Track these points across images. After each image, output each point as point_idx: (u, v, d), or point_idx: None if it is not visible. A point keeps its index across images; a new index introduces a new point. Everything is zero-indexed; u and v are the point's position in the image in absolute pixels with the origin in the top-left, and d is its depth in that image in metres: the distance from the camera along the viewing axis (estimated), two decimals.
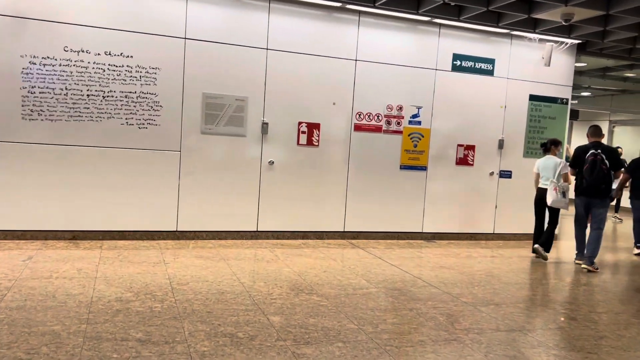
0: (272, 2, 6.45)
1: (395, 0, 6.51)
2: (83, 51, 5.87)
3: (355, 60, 6.88)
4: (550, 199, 6.44)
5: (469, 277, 5.47)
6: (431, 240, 7.42)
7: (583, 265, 6.23)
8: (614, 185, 7.59)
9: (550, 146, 6.75)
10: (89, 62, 5.90)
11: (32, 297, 4.00)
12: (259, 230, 6.69)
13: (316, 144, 6.81)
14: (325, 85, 6.78)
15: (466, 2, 6.41)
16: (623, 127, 14.48)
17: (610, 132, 14.20)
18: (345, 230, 7.09)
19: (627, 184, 7.49)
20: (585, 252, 6.32)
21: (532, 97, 7.82)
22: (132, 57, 6.03)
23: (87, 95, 5.93)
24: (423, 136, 7.30)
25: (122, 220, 6.16)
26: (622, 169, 6.62)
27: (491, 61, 7.53)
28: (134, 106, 6.10)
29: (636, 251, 7.40)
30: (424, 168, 7.36)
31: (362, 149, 7.04)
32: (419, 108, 7.25)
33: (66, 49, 5.81)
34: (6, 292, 4.09)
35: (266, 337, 3.49)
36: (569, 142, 10.91)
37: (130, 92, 6.06)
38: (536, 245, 6.62)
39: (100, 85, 5.96)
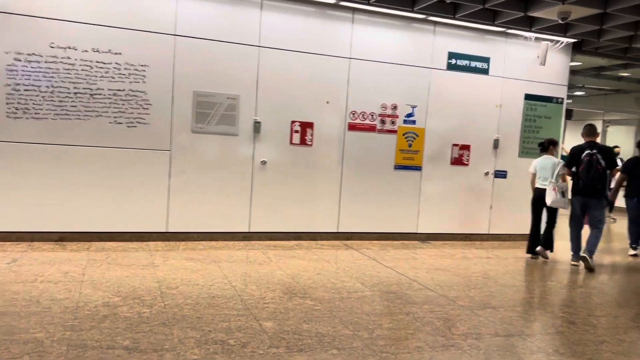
0: None
1: None
2: (70, 48, 5.71)
3: (349, 58, 6.77)
4: (549, 199, 6.39)
5: (465, 280, 5.38)
6: (426, 241, 7.33)
7: (582, 253, 6.26)
8: (612, 185, 7.54)
9: (549, 146, 6.70)
10: (76, 59, 5.74)
11: (15, 303, 3.86)
12: (251, 231, 6.56)
13: (309, 143, 6.70)
14: (318, 83, 6.66)
15: None
16: (617, 127, 14.48)
17: (604, 132, 14.19)
18: (339, 231, 6.97)
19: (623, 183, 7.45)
20: (585, 246, 6.33)
21: (528, 97, 7.74)
22: (120, 54, 5.88)
23: (74, 93, 5.77)
24: (418, 136, 7.20)
25: (110, 222, 6.01)
26: (617, 168, 6.59)
27: (486, 60, 7.44)
28: (123, 104, 5.95)
29: (631, 252, 7.34)
30: (418, 168, 7.27)
31: (356, 149, 6.93)
32: (413, 107, 7.15)
33: (52, 45, 5.65)
34: None
35: (258, 344, 3.37)
36: (563, 142, 10.85)
37: (119, 90, 5.91)
38: (539, 249, 6.65)
39: (87, 82, 5.80)
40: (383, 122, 7.01)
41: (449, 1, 6.45)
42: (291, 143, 6.63)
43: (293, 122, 6.60)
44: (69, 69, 5.73)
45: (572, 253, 6.49)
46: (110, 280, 4.55)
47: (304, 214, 6.78)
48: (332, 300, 4.38)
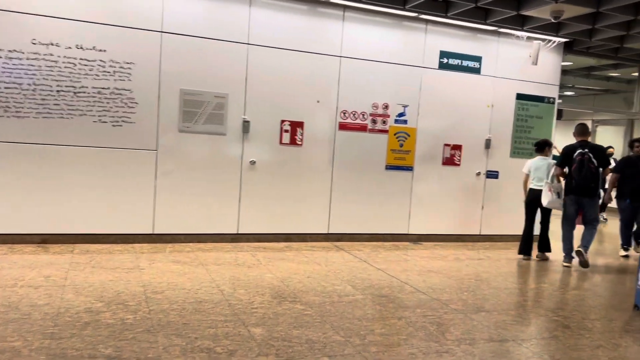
0: None
1: None
2: (52, 44, 5.54)
3: (340, 56, 6.66)
4: (545, 201, 6.36)
5: (458, 282, 5.30)
6: (417, 242, 7.24)
7: (577, 248, 6.29)
8: (607, 186, 7.51)
9: (544, 147, 6.68)
10: (58, 56, 5.57)
11: None
12: (239, 232, 6.43)
13: (299, 143, 6.58)
14: (309, 82, 6.54)
15: None
16: (605, 127, 14.52)
17: (593, 132, 14.22)
18: (330, 232, 6.86)
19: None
20: (580, 242, 6.36)
21: (519, 96, 7.69)
22: (105, 51, 5.72)
23: (57, 91, 5.60)
24: (409, 135, 7.11)
25: (95, 223, 5.85)
26: (609, 167, 6.58)
27: (478, 59, 7.37)
28: (108, 103, 5.79)
29: (622, 253, 7.31)
30: (410, 168, 7.18)
31: (347, 149, 6.82)
32: (405, 107, 7.05)
33: (34, 41, 5.47)
34: None
35: (246, 351, 3.25)
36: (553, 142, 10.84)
37: (103, 88, 5.75)
38: (537, 254, 6.71)
39: (71, 80, 5.64)
40: (374, 121, 6.91)
41: None
42: (281, 143, 6.50)
43: (283, 121, 6.48)
44: (52, 66, 5.56)
45: (564, 254, 6.44)
46: (94, 285, 4.40)
47: (294, 215, 6.66)
48: (322, 304, 4.27)
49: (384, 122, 6.96)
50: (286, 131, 6.50)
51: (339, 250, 6.41)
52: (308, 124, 6.59)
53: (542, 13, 6.44)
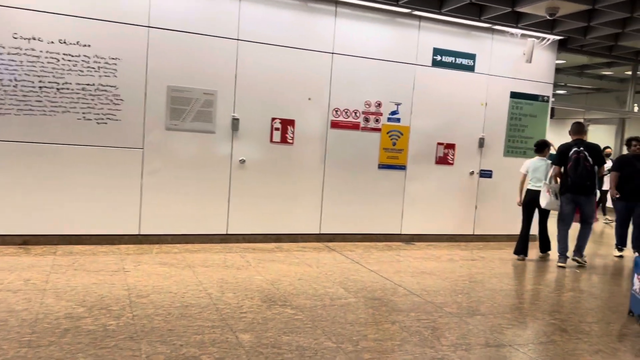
0: None
1: None
2: (35, 39, 5.35)
3: (332, 53, 6.52)
4: (544, 202, 6.32)
5: (452, 284, 5.18)
6: (410, 243, 7.13)
7: (573, 257, 6.37)
8: (605, 187, 7.41)
9: (544, 148, 6.63)
10: (41, 51, 5.38)
11: None
12: (228, 233, 6.27)
13: (290, 141, 6.43)
14: (300, 79, 6.39)
15: None
16: (597, 126, 14.50)
17: (584, 131, 14.18)
18: (321, 232, 6.73)
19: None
20: (575, 246, 6.41)
21: (513, 95, 7.59)
22: (89, 46, 5.54)
23: (40, 87, 5.42)
24: (402, 134, 6.99)
25: (79, 224, 5.67)
26: (605, 166, 6.53)
27: (472, 57, 7.26)
28: (92, 99, 5.61)
29: (617, 253, 7.24)
30: (403, 167, 7.06)
31: (339, 147, 6.68)
32: (398, 105, 6.93)
33: (15, 36, 5.28)
34: None
35: (234, 359, 3.10)
36: None
37: (88, 85, 5.57)
38: (540, 254, 6.74)
39: (54, 76, 5.45)
40: (367, 119, 6.78)
41: None
42: (271, 141, 6.35)
43: (273, 119, 6.33)
44: (34, 62, 5.37)
45: (558, 254, 6.36)
46: (76, 288, 4.23)
47: (285, 215, 6.52)
48: (314, 308, 4.14)
49: (377, 121, 6.83)
50: (277, 129, 6.35)
51: (330, 251, 6.28)
52: (299, 122, 6.44)
53: (537, 10, 6.33)
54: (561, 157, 6.26)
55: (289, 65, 6.31)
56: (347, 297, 4.49)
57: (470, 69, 7.27)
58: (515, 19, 6.94)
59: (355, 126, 6.73)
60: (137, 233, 5.89)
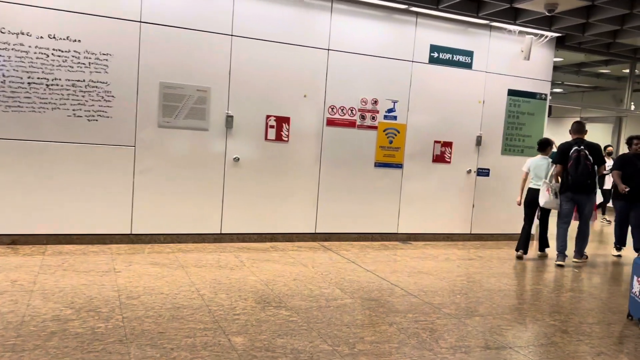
0: None
1: None
2: (23, 34, 5.22)
3: (328, 49, 6.41)
4: (542, 200, 6.28)
5: (450, 284, 5.09)
6: (406, 242, 7.04)
7: (573, 259, 6.39)
8: (607, 186, 7.31)
9: (547, 146, 6.60)
10: (30, 46, 5.25)
11: None
12: (222, 232, 6.16)
13: (286, 139, 6.32)
14: (295, 76, 6.29)
15: None
16: (593, 124, 14.44)
17: None
18: (317, 231, 6.63)
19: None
20: (574, 247, 6.43)
21: (511, 92, 7.50)
22: (79, 41, 5.41)
23: (29, 83, 5.29)
24: (399, 132, 6.89)
25: (69, 223, 5.55)
26: (604, 165, 6.46)
27: (470, 54, 7.17)
28: (83, 96, 5.49)
29: (615, 252, 7.17)
30: (399, 165, 6.96)
31: (335, 145, 6.58)
32: (394, 102, 6.83)
33: (3, 30, 5.15)
34: None
35: None
36: None
37: (78, 81, 5.45)
38: (539, 253, 6.68)
39: (43, 72, 5.33)
40: (363, 117, 6.68)
41: None
42: (266, 139, 6.25)
43: (268, 116, 6.22)
44: (22, 57, 5.24)
45: (557, 253, 6.31)
46: (64, 290, 4.12)
47: (280, 214, 6.41)
48: (309, 309, 4.03)
49: (373, 118, 6.74)
50: (272, 127, 6.24)
51: (326, 251, 6.18)
52: (295, 120, 6.34)
53: (535, 6, 6.25)
54: (562, 156, 6.22)
55: (284, 61, 6.20)
56: (343, 298, 4.39)
57: (468, 66, 7.18)
58: (513, 15, 6.86)
59: (351, 124, 6.63)
60: (128, 232, 5.77)
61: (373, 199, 6.86)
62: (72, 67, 5.42)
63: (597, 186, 6.42)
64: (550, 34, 7.35)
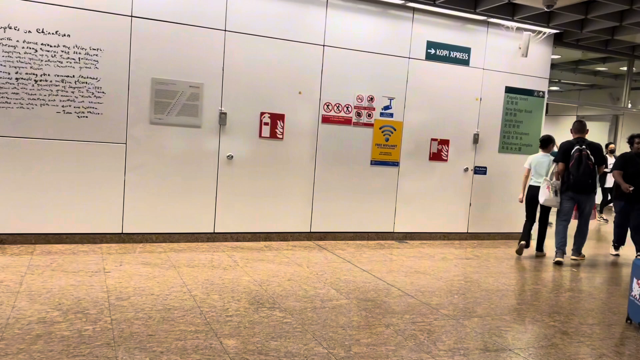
0: None
1: None
2: (10, 28, 5.09)
3: (323, 45, 6.31)
4: (542, 198, 6.26)
5: (447, 284, 5.00)
6: (403, 241, 6.95)
7: (572, 257, 6.40)
8: (607, 184, 7.23)
9: (549, 143, 6.60)
10: (17, 41, 5.12)
11: None
12: (216, 232, 6.05)
13: (280, 136, 6.22)
14: (290, 72, 6.18)
15: None
16: (590, 123, 14.38)
17: None
18: (312, 230, 6.52)
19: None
20: (572, 246, 6.43)
21: (508, 89, 7.42)
22: (69, 36, 5.29)
23: (16, 78, 5.16)
24: (395, 129, 6.80)
25: (58, 222, 5.43)
26: (605, 165, 6.42)
27: (467, 50, 7.08)
28: (72, 92, 5.36)
29: (614, 252, 7.10)
30: (396, 164, 6.86)
31: (331, 143, 6.48)
32: (391, 99, 6.73)
33: None
34: None
35: None
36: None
37: (68, 76, 5.32)
38: (537, 253, 6.62)
39: (31, 67, 5.20)
40: (359, 114, 6.57)
41: None
42: (260, 136, 6.14)
43: (262, 113, 6.11)
44: (10, 52, 5.11)
45: (556, 249, 6.30)
46: (52, 291, 4.00)
47: (274, 213, 6.30)
48: (304, 310, 3.93)
49: (369, 116, 6.63)
50: (266, 124, 6.13)
51: (321, 250, 6.08)
52: (289, 117, 6.23)
53: (534, 2, 6.17)
54: (564, 155, 6.19)
55: (278, 57, 6.09)
56: (338, 299, 4.29)
57: (465, 63, 7.09)
58: (511, 11, 6.77)
59: (347, 121, 6.53)
60: (119, 232, 5.66)
61: (369, 197, 6.77)
62: (62, 63, 5.30)
63: (598, 185, 6.35)
64: (548, 31, 7.27)
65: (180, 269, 4.85)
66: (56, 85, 5.30)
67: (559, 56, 9.40)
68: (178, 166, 5.80)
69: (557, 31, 7.37)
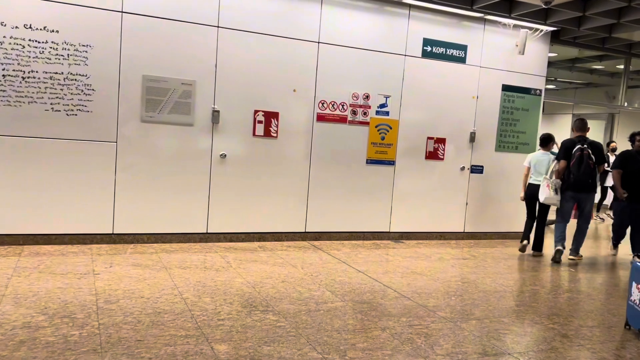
0: None
1: None
2: None
3: (318, 42, 6.20)
4: (542, 196, 6.24)
5: (444, 285, 4.91)
6: (399, 241, 6.86)
7: (570, 257, 6.37)
8: (607, 183, 7.15)
9: (549, 142, 6.60)
10: (4, 37, 5.00)
11: None
12: (209, 232, 5.94)
13: (274, 135, 6.11)
14: (284, 69, 6.07)
15: None
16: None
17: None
18: (307, 230, 6.42)
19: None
20: (571, 245, 6.42)
21: (505, 87, 7.34)
22: (57, 31, 5.16)
23: (3, 75, 5.03)
24: (391, 128, 6.70)
25: (47, 222, 5.30)
26: (605, 164, 6.40)
27: (463, 48, 6.99)
28: (61, 89, 5.23)
29: (612, 251, 7.03)
30: (391, 162, 6.77)
31: (326, 141, 6.38)
32: (386, 97, 6.64)
33: None
34: None
35: None
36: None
37: (56, 73, 5.20)
38: (533, 253, 6.56)
39: (19, 64, 5.07)
40: (354, 112, 6.48)
41: None
42: (254, 134, 6.03)
43: (256, 111, 6.00)
44: None
45: (555, 242, 6.30)
46: (38, 294, 3.88)
47: (268, 213, 6.20)
48: (298, 314, 3.84)
49: (365, 114, 6.54)
50: (260, 122, 6.03)
51: (316, 250, 5.98)
52: (284, 115, 6.12)
53: None
54: (566, 153, 6.17)
55: (272, 54, 5.98)
56: (333, 301, 4.19)
57: (462, 60, 7.00)
58: (508, 8, 6.69)
59: (342, 119, 6.43)
60: (110, 232, 5.54)
61: (364, 196, 6.67)
62: (50, 59, 5.17)
63: (598, 184, 6.35)
64: (545, 28, 7.19)
65: (172, 270, 4.75)
66: (44, 83, 5.17)
67: (556, 54, 9.32)
68: (170, 165, 5.69)
69: (555, 29, 7.30)
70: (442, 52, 6.88)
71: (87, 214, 5.43)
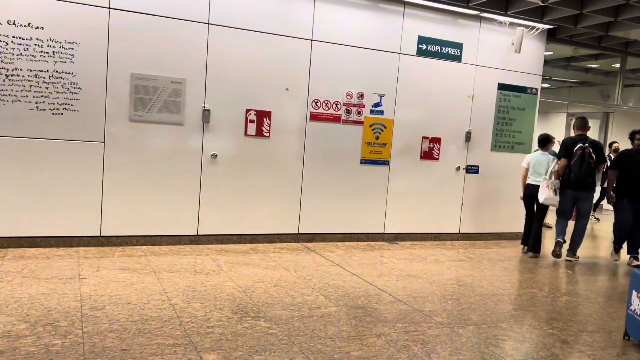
0: None
1: None
2: None
3: (311, 40, 6.07)
4: (542, 197, 6.19)
5: (440, 288, 4.81)
6: (393, 242, 6.75)
7: (567, 257, 6.35)
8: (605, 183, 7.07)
9: (548, 142, 6.59)
10: None
11: None
12: (199, 234, 5.81)
13: (267, 134, 5.98)
14: (277, 67, 5.94)
15: None
16: None
17: (568, 125, 14.00)
18: (300, 232, 6.30)
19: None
20: (569, 245, 6.40)
21: (501, 86, 7.24)
22: (42, 28, 5.01)
23: None
24: (386, 127, 6.59)
25: (32, 225, 5.15)
26: (606, 164, 6.41)
27: (459, 46, 6.88)
28: (47, 88, 5.08)
29: (615, 257, 6.90)
30: (386, 162, 6.66)
31: (319, 141, 6.25)
32: (381, 96, 6.52)
33: None
34: None
35: None
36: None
37: (41, 71, 5.04)
38: (530, 254, 6.51)
39: (2, 61, 4.92)
40: (348, 112, 6.36)
41: None
42: (246, 134, 5.89)
43: (248, 110, 5.86)
44: None
45: (556, 235, 6.31)
46: (20, 300, 3.74)
47: (261, 214, 6.07)
48: (290, 320, 3.71)
49: (359, 113, 6.42)
50: (252, 121, 5.89)
51: (310, 252, 5.86)
52: (276, 114, 5.99)
53: None
54: (568, 151, 6.12)
55: (264, 52, 5.85)
56: (327, 306, 4.07)
57: (457, 58, 6.89)
58: (504, 6, 6.59)
59: (336, 119, 6.31)
60: (98, 234, 5.39)
61: (359, 197, 6.56)
62: (35, 57, 5.01)
63: (598, 184, 6.32)
64: (541, 26, 7.09)
65: (161, 274, 4.61)
66: (29, 81, 5.01)
67: (551, 52, 9.24)
68: (159, 165, 5.55)
69: (551, 27, 7.20)
70: (438, 50, 6.77)
71: (74, 216, 5.28)
